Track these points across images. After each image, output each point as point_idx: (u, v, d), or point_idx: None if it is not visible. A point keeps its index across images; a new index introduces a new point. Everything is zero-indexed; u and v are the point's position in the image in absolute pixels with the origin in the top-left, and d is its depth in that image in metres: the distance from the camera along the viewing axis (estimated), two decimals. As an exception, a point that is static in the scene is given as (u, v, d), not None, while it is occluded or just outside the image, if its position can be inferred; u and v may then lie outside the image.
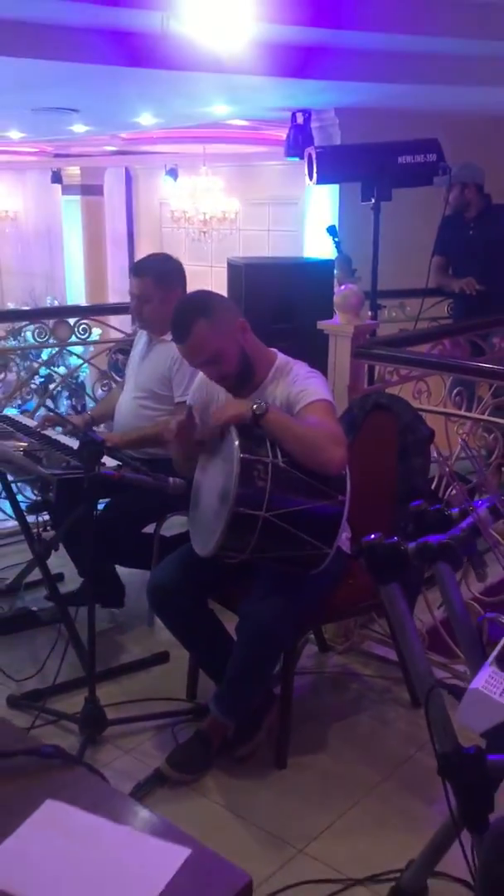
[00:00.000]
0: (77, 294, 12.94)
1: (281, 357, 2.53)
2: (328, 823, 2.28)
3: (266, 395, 2.44)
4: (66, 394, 10.25)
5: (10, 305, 13.47)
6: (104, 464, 2.63)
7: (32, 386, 5.75)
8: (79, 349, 5.71)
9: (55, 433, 3.07)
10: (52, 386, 7.57)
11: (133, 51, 4.08)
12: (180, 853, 1.09)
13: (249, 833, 2.24)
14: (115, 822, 1.13)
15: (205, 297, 2.48)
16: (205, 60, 4.16)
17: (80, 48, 4.07)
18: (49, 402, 7.99)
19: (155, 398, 3.10)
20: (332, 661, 3.08)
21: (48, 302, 13.14)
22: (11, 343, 5.78)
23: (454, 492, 3.19)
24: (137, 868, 1.08)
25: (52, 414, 3.18)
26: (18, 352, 5.24)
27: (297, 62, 4.44)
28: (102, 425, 3.49)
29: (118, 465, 2.55)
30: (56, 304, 12.45)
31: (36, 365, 5.44)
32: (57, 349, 4.57)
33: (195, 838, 1.12)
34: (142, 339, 3.28)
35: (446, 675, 2.88)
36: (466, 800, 1.63)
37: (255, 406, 2.28)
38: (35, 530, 3.18)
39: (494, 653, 1.47)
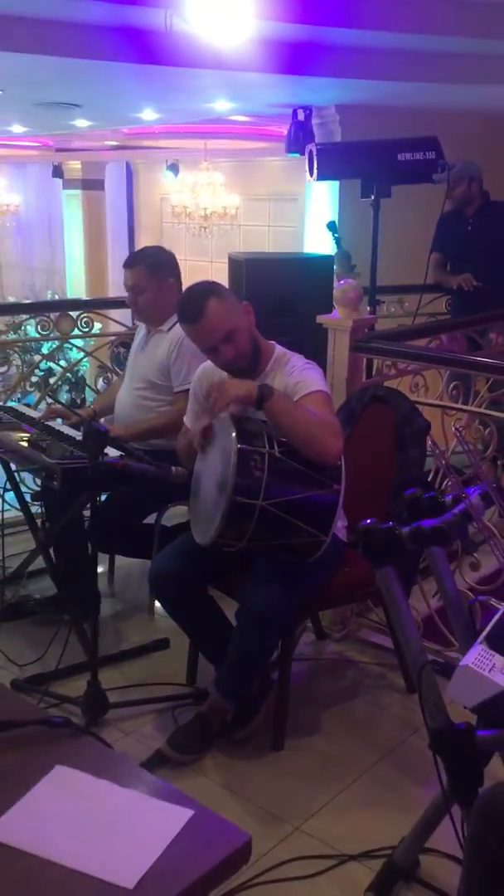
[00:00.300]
0: (77, 288, 13.01)
1: (278, 349, 2.60)
2: (324, 802, 2.34)
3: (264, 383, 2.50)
4: (66, 388, 10.31)
5: (11, 299, 13.51)
6: (107, 454, 2.70)
7: (33, 379, 5.81)
8: (80, 342, 5.79)
9: (57, 424, 3.13)
10: (52, 380, 7.64)
11: (137, 47, 4.14)
12: (183, 814, 1.15)
13: (248, 811, 2.31)
14: (121, 786, 1.20)
15: (210, 282, 2.57)
16: (207, 57, 4.21)
17: (83, 44, 4.13)
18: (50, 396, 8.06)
19: (154, 389, 3.16)
20: (328, 649, 3.14)
21: (49, 296, 13.20)
22: (12, 337, 5.85)
23: (450, 483, 3.26)
24: (142, 827, 1.14)
25: (56, 405, 3.25)
26: (19, 345, 5.29)
27: (299, 59, 4.49)
28: (103, 418, 3.55)
29: (121, 455, 2.60)
30: (57, 297, 12.51)
31: (37, 359, 5.52)
32: (57, 343, 4.63)
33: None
34: (141, 331, 3.34)
35: (441, 661, 2.94)
36: (456, 774, 1.70)
37: (260, 387, 2.34)
38: (39, 520, 3.26)
39: (485, 631, 1.53)
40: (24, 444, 2.88)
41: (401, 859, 1.98)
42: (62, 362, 7.55)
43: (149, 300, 3.14)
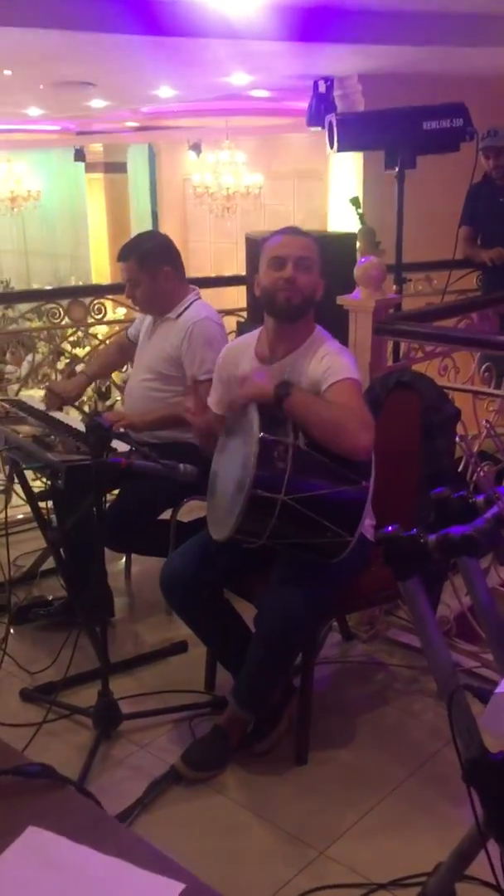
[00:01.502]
0: (102, 273, 12.85)
1: (318, 330, 2.45)
2: (351, 823, 2.17)
3: (295, 366, 2.35)
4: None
5: (35, 286, 13.42)
6: (115, 449, 2.54)
7: (59, 367, 5.71)
8: (103, 329, 5.69)
9: (66, 418, 2.97)
10: (77, 367, 7.51)
11: (144, 18, 3.94)
12: (173, 888, 0.99)
13: (268, 833, 2.15)
14: (104, 853, 1.03)
15: None
16: (218, 26, 4.01)
17: (89, 17, 3.94)
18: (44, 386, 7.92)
19: (163, 379, 2.99)
20: (356, 650, 2.97)
21: (72, 282, 13.08)
22: (37, 324, 5.70)
23: (482, 473, 3.06)
24: (125, 904, 0.98)
25: (52, 390, 3.11)
26: (44, 332, 5.09)
27: (316, 26, 4.27)
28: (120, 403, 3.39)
29: (129, 449, 2.44)
30: (81, 284, 12.37)
31: (64, 346, 5.36)
32: (83, 330, 4.48)
33: (190, 871, 1.02)
34: (146, 319, 3.17)
35: (475, 663, 2.77)
36: (493, 808, 1.52)
37: (278, 385, 2.19)
38: (48, 517, 3.12)
39: (523, 655, 1.35)
40: (30, 439, 2.73)
41: (434, 893, 1.81)
42: (87, 349, 7.42)
43: (146, 292, 2.98)
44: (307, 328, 2.41)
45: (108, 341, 5.16)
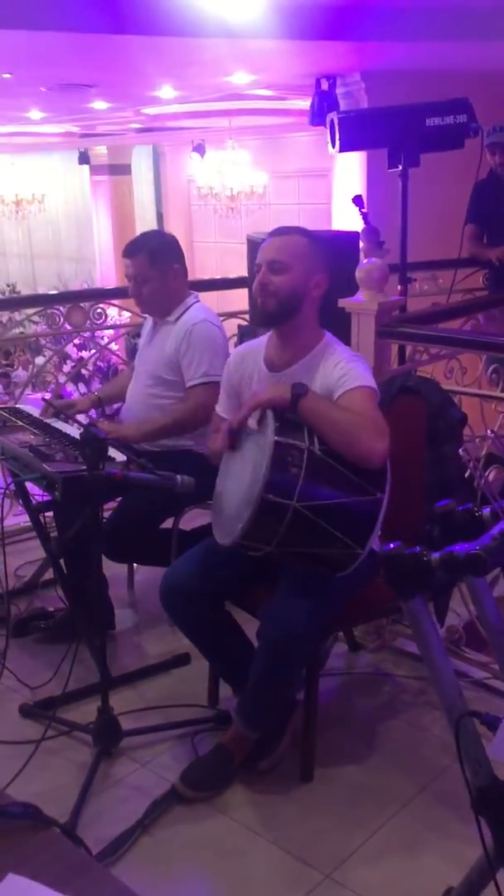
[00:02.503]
0: (107, 276, 12.80)
1: (328, 337, 2.37)
2: (358, 844, 2.11)
3: (306, 373, 2.28)
4: (97, 378, 10.13)
5: (41, 290, 13.38)
6: (113, 459, 2.49)
7: (65, 371, 5.66)
8: (109, 333, 5.63)
9: (65, 426, 2.91)
10: (83, 371, 7.45)
11: (142, 18, 3.87)
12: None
13: (271, 856, 2.08)
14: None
15: (316, 231, 2.42)
16: (217, 25, 3.93)
17: (86, 18, 3.87)
18: (83, 388, 7.89)
19: (165, 385, 2.93)
20: (362, 661, 2.90)
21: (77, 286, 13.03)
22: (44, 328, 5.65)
23: (491, 476, 2.99)
24: None
25: (50, 403, 3.04)
26: (50, 337, 5.06)
27: (316, 23, 4.19)
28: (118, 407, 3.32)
29: (123, 463, 2.39)
30: (86, 286, 12.32)
31: (70, 350, 5.29)
32: (90, 334, 4.42)
33: None
34: (147, 324, 3.12)
35: (485, 674, 2.70)
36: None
37: (293, 386, 2.13)
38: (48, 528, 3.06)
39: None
40: (26, 449, 2.67)
41: (443, 921, 1.74)
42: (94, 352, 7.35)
43: (154, 290, 2.91)
44: (314, 334, 2.34)
45: (112, 345, 5.13)
